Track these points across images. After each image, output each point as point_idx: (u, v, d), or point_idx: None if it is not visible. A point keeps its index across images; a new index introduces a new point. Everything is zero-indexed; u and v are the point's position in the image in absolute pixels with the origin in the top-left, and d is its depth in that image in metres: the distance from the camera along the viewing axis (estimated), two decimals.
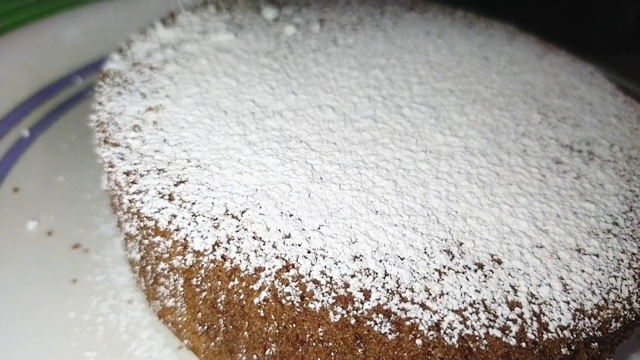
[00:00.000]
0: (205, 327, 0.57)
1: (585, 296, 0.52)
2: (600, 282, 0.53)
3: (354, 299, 0.48)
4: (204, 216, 0.52)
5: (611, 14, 1.77)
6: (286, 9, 0.92)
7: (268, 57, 0.77)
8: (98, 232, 0.84)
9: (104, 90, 0.69)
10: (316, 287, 0.48)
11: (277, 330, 0.51)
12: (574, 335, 0.50)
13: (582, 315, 0.51)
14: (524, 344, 0.48)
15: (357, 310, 0.47)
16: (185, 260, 0.52)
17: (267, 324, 0.51)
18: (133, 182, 0.56)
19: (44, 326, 0.70)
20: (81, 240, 0.82)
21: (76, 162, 0.95)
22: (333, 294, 0.48)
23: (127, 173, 0.57)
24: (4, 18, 1.13)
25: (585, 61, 1.25)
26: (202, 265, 0.51)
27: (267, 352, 0.54)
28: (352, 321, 0.47)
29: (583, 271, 0.54)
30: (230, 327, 0.54)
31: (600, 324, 0.52)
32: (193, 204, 0.53)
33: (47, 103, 1.06)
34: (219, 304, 0.53)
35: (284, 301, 0.48)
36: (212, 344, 0.58)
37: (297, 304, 0.48)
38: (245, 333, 0.53)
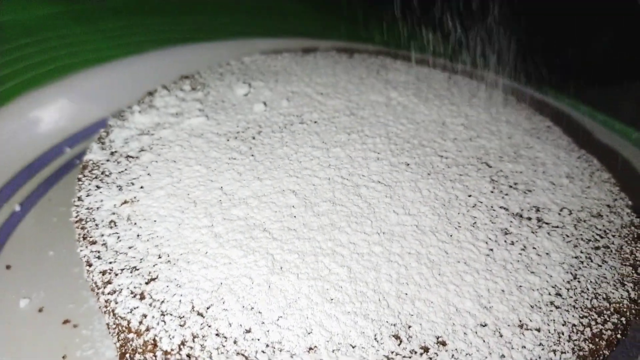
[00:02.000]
0: None
1: None
2: (539, 357, 0.58)
3: None
4: (171, 315, 0.57)
5: (583, 45, 1.83)
6: (256, 82, 0.98)
7: (237, 139, 0.82)
8: (87, 305, 0.88)
9: (83, 184, 0.75)
10: None
11: None
12: None
13: None
14: None
15: None
16: (155, 357, 0.57)
17: None
18: (108, 282, 0.61)
19: None
20: (70, 316, 0.87)
21: (65, 235, 1.00)
22: None
23: (103, 272, 0.62)
24: None
25: (553, 101, 1.31)
26: None
27: None
28: None
29: (524, 347, 0.59)
30: None
31: None
32: (162, 302, 0.58)
33: (37, 176, 1.12)
34: None
35: None
36: None
37: None
38: None
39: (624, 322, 0.65)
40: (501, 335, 0.59)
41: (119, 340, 0.66)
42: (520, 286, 0.64)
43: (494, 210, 0.74)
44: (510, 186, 0.79)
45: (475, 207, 0.73)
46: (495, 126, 0.92)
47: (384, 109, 0.92)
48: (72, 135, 1.21)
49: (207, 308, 0.58)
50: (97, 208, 0.70)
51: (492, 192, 0.77)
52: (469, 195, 0.75)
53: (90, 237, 0.66)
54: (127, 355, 0.66)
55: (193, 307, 0.58)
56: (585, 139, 0.99)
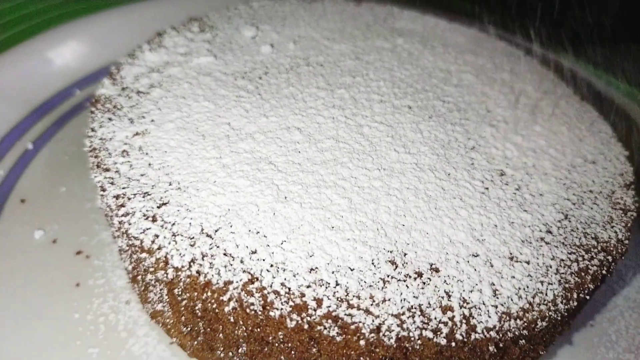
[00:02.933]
0: (189, 329, 0.66)
1: (512, 300, 0.60)
2: (527, 287, 0.61)
3: (308, 307, 0.56)
4: (182, 235, 0.61)
5: (594, 5, 1.81)
6: (263, 25, 0.99)
7: (244, 78, 0.84)
8: (98, 238, 0.93)
9: (96, 117, 0.77)
10: (276, 297, 0.56)
11: (246, 333, 0.59)
12: (500, 335, 0.58)
13: (508, 318, 0.59)
14: (453, 344, 0.56)
15: (310, 317, 0.56)
16: (167, 274, 0.60)
17: (237, 328, 0.60)
18: (122, 205, 0.64)
19: (51, 327, 0.79)
20: (83, 247, 0.91)
21: (76, 172, 1.03)
22: (290, 303, 0.56)
23: (117, 197, 0.65)
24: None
25: (563, 56, 1.31)
26: (181, 279, 0.59)
27: (239, 350, 0.63)
28: (306, 326, 0.56)
29: (513, 277, 0.62)
30: (208, 329, 0.63)
31: (526, 324, 0.60)
32: (173, 224, 0.62)
33: (48, 116, 1.14)
34: (197, 311, 0.62)
35: (248, 310, 0.57)
36: (195, 342, 0.67)
37: (260, 313, 0.57)
38: (221, 335, 0.62)
39: (610, 260, 0.68)
40: (492, 266, 0.62)
41: (131, 263, 0.70)
42: (513, 222, 0.67)
43: (491, 152, 0.76)
44: (509, 131, 0.81)
45: (474, 149, 0.76)
46: (498, 75, 0.93)
47: (389, 54, 0.93)
48: (83, 78, 1.23)
49: (216, 231, 0.61)
50: (110, 139, 0.73)
51: (492, 135, 0.79)
52: (468, 138, 0.78)
53: (104, 165, 0.69)
54: (139, 277, 0.70)
55: (202, 230, 0.61)
56: (586, 92, 1.01)
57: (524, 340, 0.61)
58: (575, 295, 0.63)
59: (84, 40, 1.25)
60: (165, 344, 0.78)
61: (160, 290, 0.65)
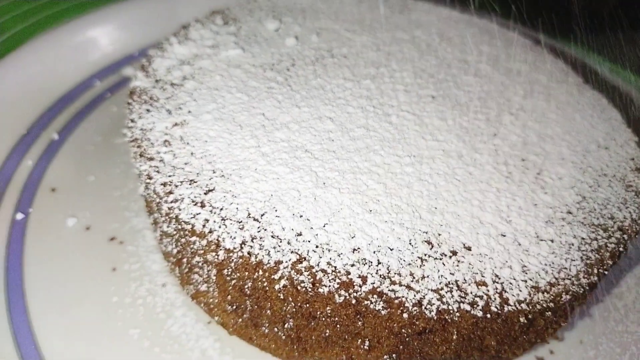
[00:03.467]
0: (234, 307, 0.70)
1: (539, 275, 0.65)
2: (552, 263, 0.66)
3: (354, 284, 0.60)
4: (231, 219, 0.64)
5: None
6: (286, 17, 1.02)
7: (273, 70, 0.87)
8: (130, 225, 0.96)
9: (133, 108, 0.80)
10: (324, 275, 0.61)
11: (294, 309, 0.64)
12: (530, 307, 0.63)
13: (536, 291, 0.64)
14: (488, 315, 0.61)
15: (356, 293, 0.60)
16: (218, 256, 0.64)
17: (285, 304, 0.64)
18: (170, 192, 0.68)
19: (92, 310, 0.82)
20: (116, 234, 0.94)
21: (103, 162, 1.07)
22: (337, 280, 0.60)
23: (164, 184, 0.69)
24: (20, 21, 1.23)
25: (563, 46, 1.36)
26: (232, 260, 0.63)
27: (285, 325, 0.67)
28: (353, 301, 0.60)
29: (539, 254, 0.67)
30: (255, 307, 0.67)
31: (552, 297, 0.64)
32: (221, 209, 0.65)
33: (71, 106, 1.17)
34: (247, 289, 0.66)
35: (299, 287, 0.61)
36: (240, 320, 0.71)
37: (309, 289, 0.61)
38: (268, 311, 0.66)
39: (625, 238, 0.73)
40: (519, 244, 0.67)
41: (177, 246, 0.73)
42: (536, 204, 0.72)
43: (512, 139, 0.81)
44: (527, 119, 0.85)
45: (496, 136, 0.80)
46: (513, 64, 0.98)
47: (409, 46, 0.97)
48: (102, 69, 1.25)
49: (262, 215, 0.65)
50: (150, 129, 0.76)
51: (511, 123, 0.83)
52: (490, 126, 0.82)
53: (148, 155, 0.72)
54: (184, 260, 0.74)
55: (249, 214, 0.65)
56: (594, 80, 1.05)
57: (549, 312, 0.66)
58: (595, 271, 0.68)
59: (103, 31, 1.28)
60: (203, 323, 0.82)
61: (208, 271, 0.69)
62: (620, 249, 0.72)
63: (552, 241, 0.68)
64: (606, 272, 0.70)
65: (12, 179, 1.00)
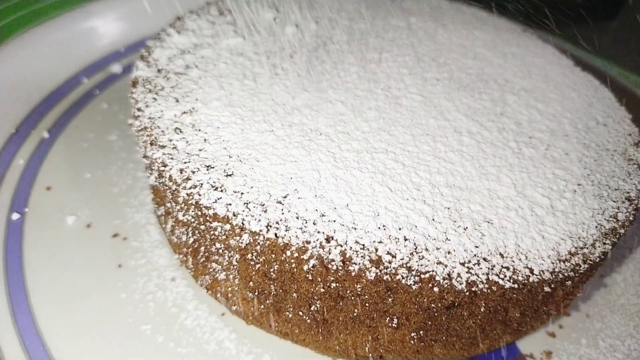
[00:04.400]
0: (256, 293, 0.69)
1: (560, 245, 0.66)
2: (571, 233, 0.67)
3: (384, 260, 0.60)
4: (254, 203, 0.63)
5: None
6: (281, 7, 1.02)
7: (277, 57, 0.87)
8: (132, 221, 0.94)
9: (138, 97, 0.78)
10: (353, 252, 0.60)
11: (323, 290, 0.63)
12: (553, 276, 0.64)
13: (558, 260, 0.65)
14: (515, 285, 0.62)
15: (387, 269, 0.60)
16: (242, 240, 0.63)
17: (313, 285, 0.63)
18: (187, 179, 0.66)
19: (101, 308, 0.80)
20: (118, 230, 0.92)
21: (98, 159, 1.04)
22: (367, 257, 0.60)
23: (180, 170, 0.67)
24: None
25: (543, 32, 1.39)
26: (258, 242, 0.62)
27: (312, 308, 0.66)
28: (385, 277, 0.60)
29: (558, 225, 0.68)
30: (280, 290, 0.66)
31: (572, 266, 0.66)
32: (242, 193, 0.64)
33: (60, 104, 1.13)
34: (272, 273, 0.65)
35: (329, 266, 0.60)
36: (262, 306, 0.70)
37: (340, 268, 0.60)
38: (294, 294, 0.66)
39: (633, 207, 0.75)
40: (537, 216, 0.68)
41: (193, 235, 0.72)
42: (548, 178, 0.73)
43: (518, 117, 0.82)
44: (529, 99, 0.87)
45: (503, 115, 0.82)
46: (508, 48, 1.00)
47: (407, 32, 0.98)
48: (88, 66, 1.22)
49: (284, 197, 0.64)
50: (159, 117, 0.74)
51: (515, 102, 0.85)
52: (496, 106, 0.83)
53: (160, 142, 0.71)
54: (201, 248, 0.72)
55: (271, 197, 0.64)
56: (582, 64, 1.08)
57: (569, 282, 0.67)
58: (609, 240, 0.70)
59: (88, 27, 1.25)
60: (216, 315, 0.81)
61: (230, 257, 0.68)
62: (630, 218, 0.74)
63: (567, 212, 0.70)
64: (617, 241, 0.72)
65: (4, 179, 0.96)
